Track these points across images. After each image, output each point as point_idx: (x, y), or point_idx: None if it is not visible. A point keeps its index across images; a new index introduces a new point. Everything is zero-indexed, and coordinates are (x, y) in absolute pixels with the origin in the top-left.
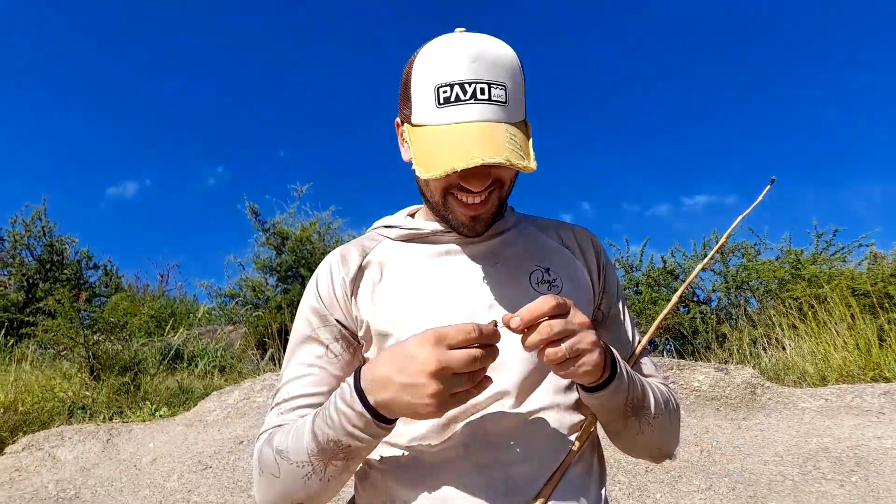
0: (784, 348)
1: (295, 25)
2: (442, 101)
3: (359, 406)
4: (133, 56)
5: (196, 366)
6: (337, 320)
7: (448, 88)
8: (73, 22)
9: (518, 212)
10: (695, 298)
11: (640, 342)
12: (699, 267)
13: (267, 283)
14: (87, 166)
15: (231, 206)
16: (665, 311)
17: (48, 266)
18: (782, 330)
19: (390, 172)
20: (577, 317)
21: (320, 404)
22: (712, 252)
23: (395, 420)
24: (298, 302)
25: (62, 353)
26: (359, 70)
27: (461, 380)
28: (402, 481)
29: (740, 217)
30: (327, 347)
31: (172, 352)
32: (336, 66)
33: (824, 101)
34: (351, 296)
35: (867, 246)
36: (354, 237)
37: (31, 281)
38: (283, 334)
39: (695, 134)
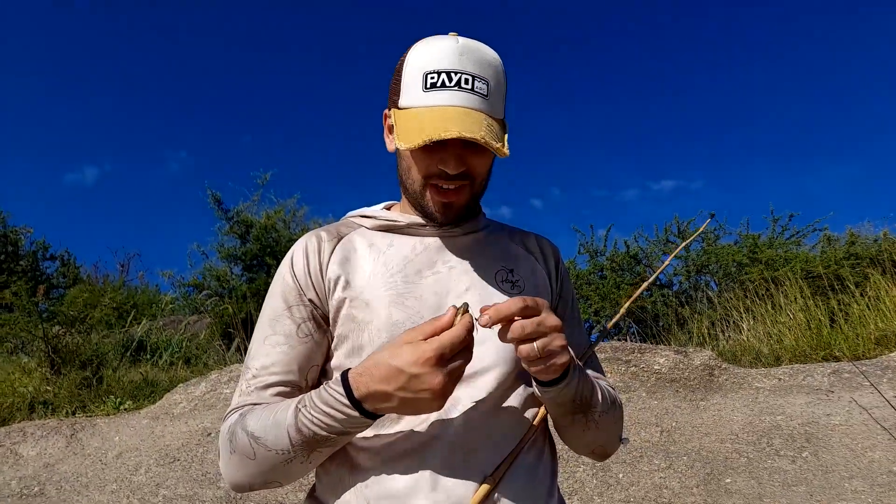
0: (741, 330)
1: (263, 9)
2: (429, 85)
3: (356, 414)
4: (94, 34)
5: (160, 357)
6: (310, 300)
7: (435, 75)
8: None
9: (490, 218)
10: (657, 282)
11: (592, 343)
12: (644, 285)
13: (232, 273)
14: (44, 150)
15: (194, 192)
16: (619, 314)
17: (2, 258)
18: (739, 313)
19: (358, 160)
20: (550, 319)
21: (289, 382)
22: (657, 272)
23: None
24: (264, 292)
25: (21, 348)
26: (328, 57)
27: (458, 379)
28: (358, 467)
29: (680, 246)
30: (298, 326)
31: (135, 344)
32: (305, 52)
33: (786, 86)
34: (323, 275)
35: (821, 230)
36: (320, 225)
37: None
38: (249, 324)
39: (661, 120)
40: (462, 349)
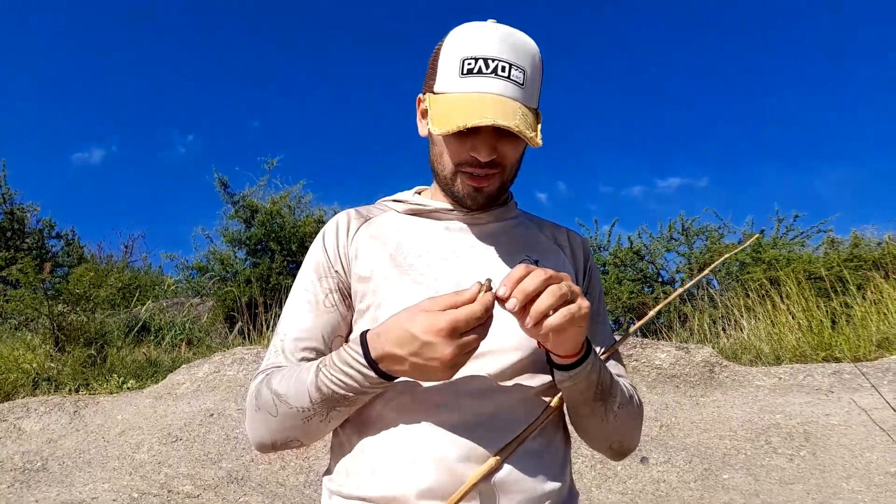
0: (742, 329)
1: None
2: (465, 71)
3: (372, 374)
4: (104, 18)
5: (163, 339)
6: (336, 272)
7: (472, 61)
8: None
9: (522, 209)
10: (659, 279)
11: (617, 340)
12: (675, 294)
13: (236, 257)
14: (52, 130)
15: (200, 176)
16: (645, 318)
17: (8, 234)
18: (741, 311)
19: (365, 148)
20: (573, 285)
21: (314, 349)
22: (692, 282)
23: None
24: (268, 276)
25: (26, 324)
26: (340, 44)
27: (469, 353)
28: (364, 433)
29: (724, 257)
30: (326, 296)
31: (139, 324)
32: (317, 38)
33: (794, 86)
34: (349, 250)
35: (825, 232)
36: (324, 212)
37: None
38: (253, 308)
39: (669, 117)
40: (477, 325)
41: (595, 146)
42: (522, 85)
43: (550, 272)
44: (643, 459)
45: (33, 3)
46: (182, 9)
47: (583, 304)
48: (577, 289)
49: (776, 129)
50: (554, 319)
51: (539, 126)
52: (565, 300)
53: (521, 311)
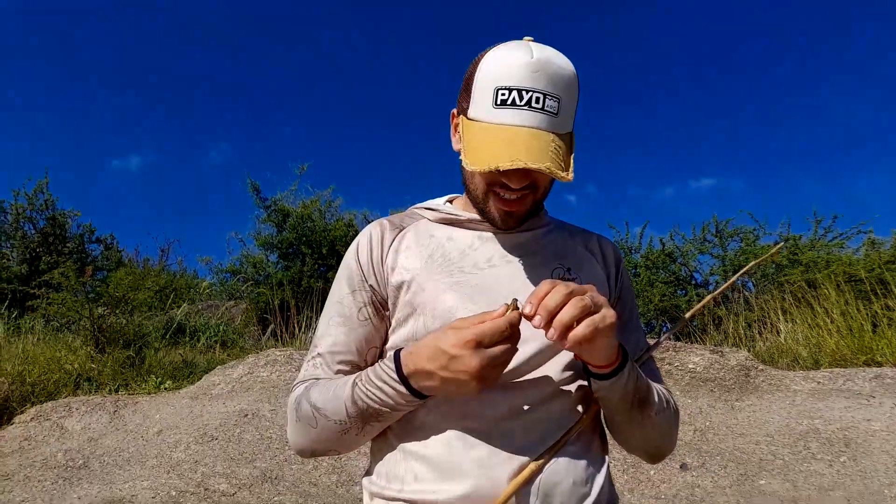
0: (779, 332)
1: (306, 4)
2: (499, 102)
3: (404, 390)
4: (142, 28)
5: (198, 340)
6: (370, 286)
7: (507, 92)
8: None
9: (551, 216)
10: (692, 282)
11: (651, 346)
12: (707, 298)
13: (268, 260)
14: (92, 138)
15: (233, 182)
16: (678, 325)
17: (50, 239)
18: (777, 315)
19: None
20: (597, 296)
21: (349, 362)
22: (720, 289)
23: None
24: (299, 279)
25: (67, 326)
26: (372, 53)
27: (498, 368)
28: (405, 438)
29: (750, 265)
30: (359, 310)
31: (175, 326)
32: (347, 48)
33: (831, 86)
34: (384, 262)
35: (865, 233)
36: (354, 216)
37: (33, 254)
38: (285, 310)
39: (701, 118)
40: (504, 339)
41: (625, 148)
42: (556, 114)
43: (573, 286)
44: (682, 466)
45: (77, 14)
46: (218, 21)
47: (608, 313)
48: (601, 299)
49: (813, 129)
50: (579, 331)
51: (572, 155)
52: (588, 311)
53: (547, 326)
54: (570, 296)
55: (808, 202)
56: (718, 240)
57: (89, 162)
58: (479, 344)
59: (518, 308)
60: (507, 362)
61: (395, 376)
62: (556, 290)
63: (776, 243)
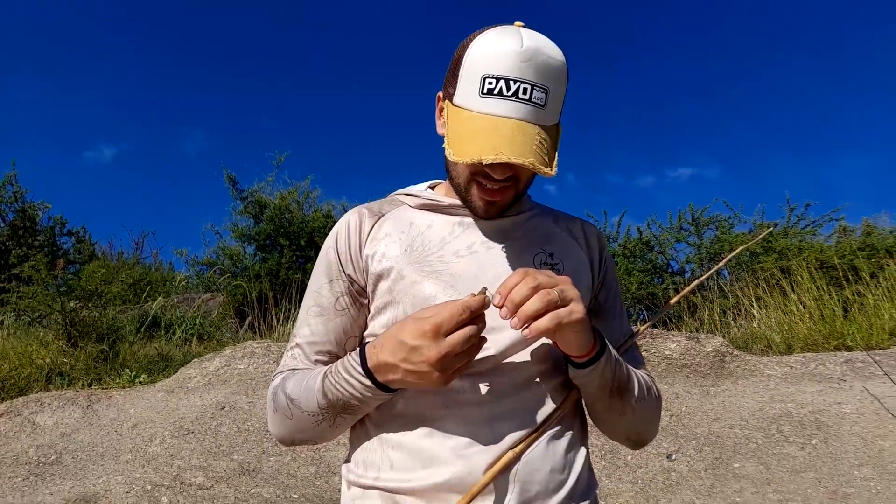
0: (753, 318)
1: None
2: (486, 91)
3: (369, 383)
4: (113, 16)
5: (174, 333)
6: (348, 276)
7: (494, 81)
8: None
9: (535, 201)
10: (669, 269)
11: (633, 333)
12: (693, 284)
13: (245, 252)
14: (63, 128)
15: (209, 172)
16: (661, 313)
17: (20, 232)
18: (751, 301)
19: (372, 144)
20: (567, 290)
21: (327, 352)
22: (705, 276)
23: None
24: (277, 271)
25: (39, 320)
26: (348, 40)
27: (461, 356)
28: (383, 427)
29: (738, 250)
30: (336, 300)
31: (150, 319)
32: (324, 35)
33: (806, 75)
34: (362, 251)
35: (837, 220)
36: (333, 207)
37: (2, 247)
38: (263, 303)
39: (679, 107)
40: (463, 325)
41: (604, 136)
42: (543, 106)
43: (542, 279)
44: (669, 456)
45: (44, 2)
46: (192, 7)
47: (575, 308)
48: (571, 294)
49: (788, 118)
50: (541, 323)
51: (556, 149)
52: (554, 305)
53: (512, 317)
54: (535, 289)
55: (784, 190)
56: (695, 228)
57: (60, 153)
58: (438, 333)
59: (486, 296)
60: (473, 351)
61: (360, 370)
62: (524, 283)
63: (750, 230)
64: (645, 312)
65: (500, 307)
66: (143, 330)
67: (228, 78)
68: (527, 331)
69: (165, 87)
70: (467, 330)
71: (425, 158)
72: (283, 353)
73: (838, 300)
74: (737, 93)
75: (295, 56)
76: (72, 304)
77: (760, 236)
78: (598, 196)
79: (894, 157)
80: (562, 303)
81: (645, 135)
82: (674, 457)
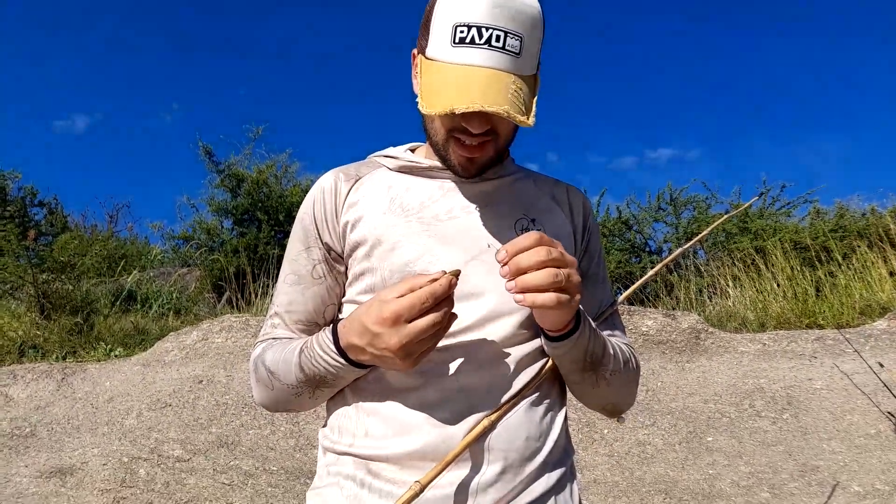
0: (728, 297)
1: None
2: (457, 40)
3: (343, 362)
4: None
5: (150, 307)
6: (325, 243)
7: (465, 29)
8: None
9: (519, 164)
10: (647, 249)
11: (614, 301)
12: (672, 255)
13: (222, 227)
14: (35, 97)
15: (185, 144)
16: (639, 282)
17: None
18: (727, 280)
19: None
20: (575, 274)
21: (307, 320)
22: (679, 251)
23: None
24: (255, 245)
25: (10, 292)
26: (325, 12)
27: (426, 340)
28: (360, 394)
29: (712, 226)
30: (313, 267)
31: (125, 293)
32: (302, 5)
33: (785, 59)
34: (339, 216)
35: (811, 202)
36: (311, 181)
37: None
38: (241, 278)
39: (661, 88)
40: (427, 311)
41: (586, 117)
42: (518, 54)
43: (556, 253)
44: (619, 418)
45: None
46: None
47: (575, 298)
48: (575, 280)
49: (767, 100)
50: (538, 298)
51: (534, 100)
52: (557, 287)
53: (512, 279)
54: (544, 263)
55: (761, 171)
56: (672, 208)
57: (30, 122)
58: (398, 321)
59: (456, 279)
60: (439, 333)
61: (333, 348)
62: (535, 252)
63: (726, 211)
64: (622, 290)
65: (503, 265)
66: (118, 304)
67: (204, 48)
68: (521, 297)
69: (141, 57)
70: (431, 318)
71: (407, 122)
72: (261, 324)
73: (811, 280)
74: (717, 75)
75: (269, 24)
76: (44, 276)
77: (744, 206)
78: (580, 175)
79: (866, 140)
80: (566, 285)
81: (626, 116)
82: (624, 419)
